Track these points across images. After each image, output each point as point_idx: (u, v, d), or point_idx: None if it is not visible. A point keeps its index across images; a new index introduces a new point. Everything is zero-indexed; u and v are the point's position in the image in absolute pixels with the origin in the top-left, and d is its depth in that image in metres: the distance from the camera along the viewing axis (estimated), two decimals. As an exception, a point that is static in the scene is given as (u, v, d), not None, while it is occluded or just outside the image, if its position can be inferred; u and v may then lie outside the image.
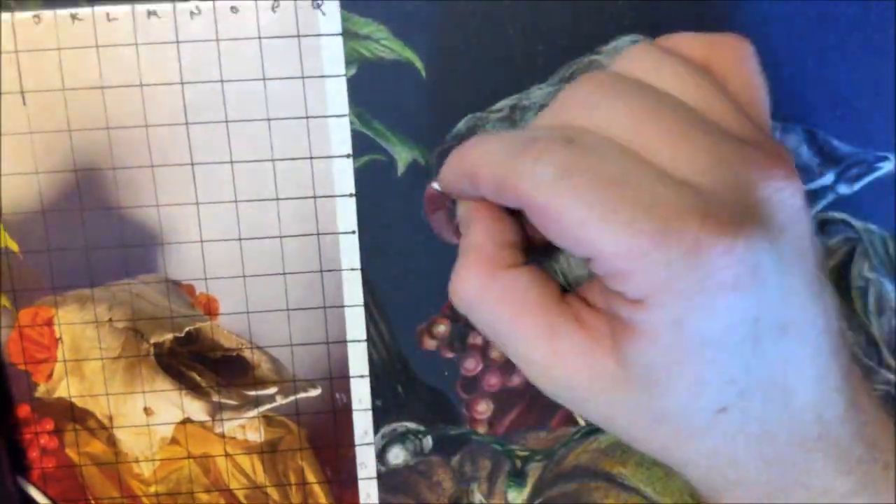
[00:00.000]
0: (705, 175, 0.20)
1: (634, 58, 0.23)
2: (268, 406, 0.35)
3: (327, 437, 0.36)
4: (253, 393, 0.35)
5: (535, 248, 0.26)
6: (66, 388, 0.35)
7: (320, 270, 0.35)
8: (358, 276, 0.35)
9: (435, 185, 0.27)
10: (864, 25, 0.33)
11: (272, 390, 0.35)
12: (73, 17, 0.33)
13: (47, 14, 0.33)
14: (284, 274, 0.35)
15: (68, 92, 0.33)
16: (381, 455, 0.36)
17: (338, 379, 0.36)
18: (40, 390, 0.35)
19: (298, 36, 0.33)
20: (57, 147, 0.33)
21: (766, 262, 0.20)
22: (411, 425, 0.36)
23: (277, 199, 0.34)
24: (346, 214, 0.35)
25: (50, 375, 0.35)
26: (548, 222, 0.21)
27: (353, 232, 0.35)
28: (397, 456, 0.36)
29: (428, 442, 0.37)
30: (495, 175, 0.22)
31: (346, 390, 0.36)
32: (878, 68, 0.34)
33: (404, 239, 0.35)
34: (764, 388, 0.21)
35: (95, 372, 0.35)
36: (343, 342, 0.35)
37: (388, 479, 0.37)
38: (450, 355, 0.36)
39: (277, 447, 0.36)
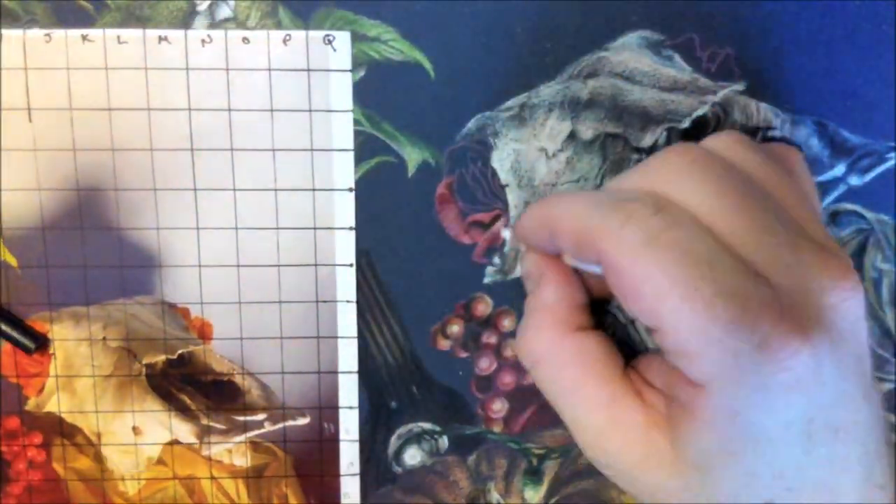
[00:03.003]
0: (782, 274, 0.21)
1: (724, 140, 0.24)
2: (256, 432, 0.36)
3: (313, 465, 0.36)
4: (241, 418, 0.36)
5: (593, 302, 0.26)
6: (56, 403, 0.35)
7: (316, 301, 0.35)
8: (353, 308, 0.35)
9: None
10: (872, 16, 0.33)
11: (261, 416, 0.36)
12: (84, 37, 0.33)
13: (58, 33, 0.33)
14: (280, 302, 0.35)
15: (75, 112, 0.33)
16: (397, 456, 0.36)
17: (327, 409, 0.36)
18: (30, 404, 0.35)
19: (308, 70, 0.33)
20: (61, 165, 0.34)
21: (826, 367, 0.20)
22: (427, 425, 0.36)
23: (278, 228, 0.35)
24: (345, 247, 0.35)
25: (41, 390, 0.35)
26: (625, 286, 0.21)
27: (351, 264, 0.35)
28: (413, 456, 0.37)
29: (444, 442, 0.37)
30: (579, 230, 0.22)
31: (335, 420, 0.36)
32: (887, 59, 0.34)
33: (416, 240, 0.35)
34: (813, 487, 0.22)
35: (86, 389, 0.35)
36: (334, 373, 0.36)
37: (405, 480, 0.37)
38: (464, 355, 0.36)
39: (263, 473, 0.36)
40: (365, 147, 0.34)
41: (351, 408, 0.36)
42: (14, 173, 0.34)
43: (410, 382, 0.36)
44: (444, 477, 0.37)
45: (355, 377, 0.36)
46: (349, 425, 0.36)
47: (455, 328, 0.36)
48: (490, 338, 0.36)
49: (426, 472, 0.37)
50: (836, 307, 0.21)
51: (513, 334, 0.36)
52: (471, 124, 0.34)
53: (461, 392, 0.36)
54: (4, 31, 0.32)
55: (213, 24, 0.33)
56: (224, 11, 0.33)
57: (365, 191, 0.35)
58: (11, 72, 0.33)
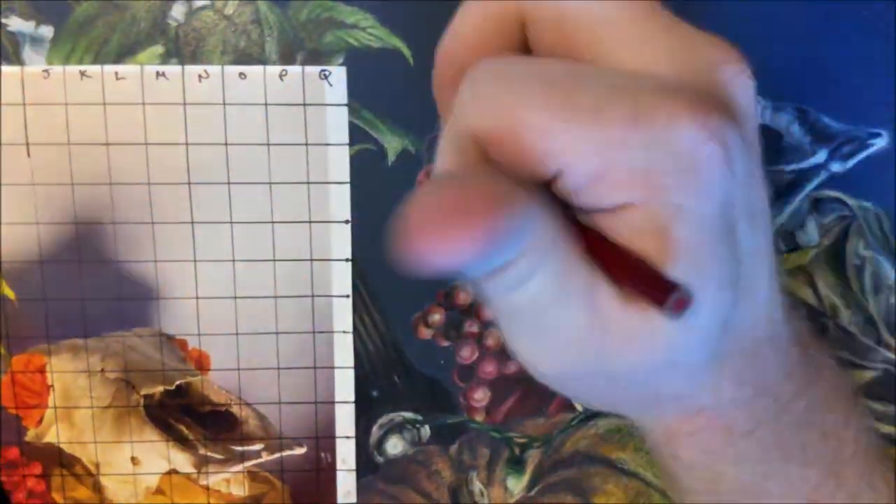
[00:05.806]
0: (661, 63, 0.19)
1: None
2: (253, 461, 0.36)
3: (310, 495, 0.36)
4: (239, 448, 0.36)
5: None
6: (55, 433, 0.35)
7: (312, 331, 0.35)
8: (349, 338, 0.36)
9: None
10: (854, 2, 0.33)
11: (258, 446, 0.36)
12: (82, 73, 0.33)
13: (56, 69, 0.33)
14: (277, 333, 0.35)
15: (73, 146, 0.33)
16: (379, 445, 0.37)
17: (323, 439, 0.36)
18: (30, 435, 0.36)
19: (304, 105, 0.34)
20: (59, 199, 0.34)
21: (734, 141, 0.18)
22: (409, 415, 0.36)
23: (274, 260, 0.35)
24: (341, 278, 0.35)
25: (40, 421, 0.35)
26: (507, 148, 0.18)
27: (347, 296, 0.35)
28: (395, 446, 0.37)
29: (426, 431, 0.37)
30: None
31: (332, 450, 0.36)
32: (869, 45, 0.33)
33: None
34: (742, 285, 0.20)
35: (85, 420, 0.35)
36: (331, 403, 0.36)
37: (388, 470, 0.37)
38: (445, 344, 0.36)
39: (260, 502, 0.36)
40: None
41: (348, 437, 0.36)
42: (12, 207, 0.34)
43: (392, 372, 0.36)
44: (426, 466, 0.37)
45: (352, 407, 0.36)
46: (346, 455, 0.36)
47: (436, 317, 0.36)
48: (472, 327, 0.36)
49: (408, 462, 0.37)
50: (729, 83, 0.19)
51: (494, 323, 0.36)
52: (451, 111, 0.34)
53: (443, 381, 0.36)
54: (3, 68, 0.33)
55: (191, 11, 0.33)
56: None
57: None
58: (10, 107, 0.33)
